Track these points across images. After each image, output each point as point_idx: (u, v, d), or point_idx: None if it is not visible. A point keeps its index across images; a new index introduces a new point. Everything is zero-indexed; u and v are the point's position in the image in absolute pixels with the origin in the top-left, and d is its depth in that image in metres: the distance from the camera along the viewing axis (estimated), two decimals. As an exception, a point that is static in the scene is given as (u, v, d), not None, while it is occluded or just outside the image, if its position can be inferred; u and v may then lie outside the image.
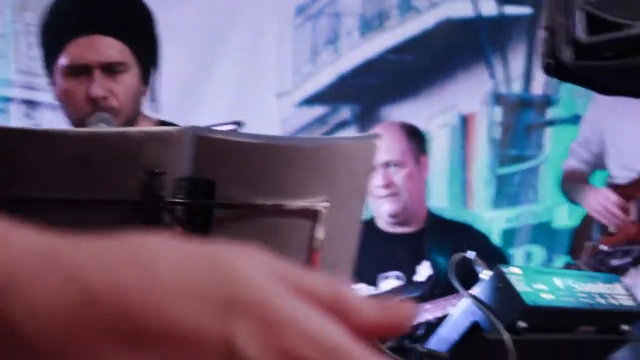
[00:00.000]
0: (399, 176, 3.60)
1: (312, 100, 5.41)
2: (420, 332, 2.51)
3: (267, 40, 5.42)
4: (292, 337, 0.46)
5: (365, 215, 3.97)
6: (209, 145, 1.52)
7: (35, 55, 2.63)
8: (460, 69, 5.03)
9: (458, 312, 1.89)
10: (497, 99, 4.96)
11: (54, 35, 2.31)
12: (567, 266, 2.65)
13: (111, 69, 2.27)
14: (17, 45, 5.25)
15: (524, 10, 4.92)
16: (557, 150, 4.62)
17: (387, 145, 3.61)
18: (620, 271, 3.50)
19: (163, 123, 2.40)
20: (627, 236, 3.66)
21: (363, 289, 3.49)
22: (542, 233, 4.85)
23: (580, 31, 1.76)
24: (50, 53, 2.33)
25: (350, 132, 5.17)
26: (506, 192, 4.98)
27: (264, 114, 5.23)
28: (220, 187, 1.54)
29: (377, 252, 3.62)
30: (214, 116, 4.00)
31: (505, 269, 1.82)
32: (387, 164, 3.59)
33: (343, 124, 5.31)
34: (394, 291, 3.39)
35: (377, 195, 3.60)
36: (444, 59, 5.07)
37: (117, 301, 0.46)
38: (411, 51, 5.16)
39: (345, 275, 1.71)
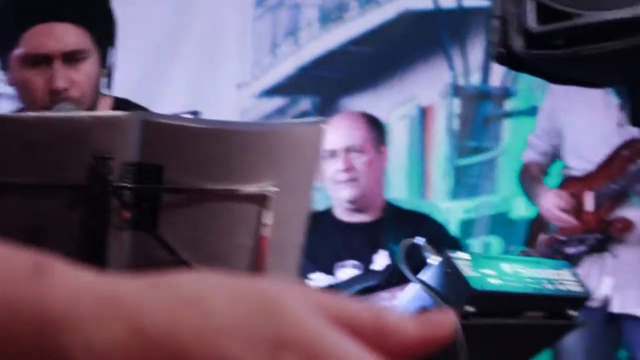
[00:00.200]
0: (359, 162, 3.61)
1: (272, 91, 5.41)
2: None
3: (227, 31, 5.41)
4: None
5: (323, 205, 4.00)
6: (156, 130, 1.52)
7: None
8: (420, 60, 5.05)
9: (407, 297, 1.91)
10: (456, 90, 4.98)
11: (9, 24, 2.26)
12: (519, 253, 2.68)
13: (72, 58, 2.23)
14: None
15: (483, 2, 4.94)
16: (515, 142, 4.64)
17: (348, 132, 3.63)
18: (575, 259, 3.55)
19: (118, 101, 2.39)
20: (584, 226, 3.69)
21: (320, 278, 3.51)
22: (500, 224, 4.88)
23: (531, 20, 1.77)
24: (5, 42, 2.29)
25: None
26: (464, 183, 5.01)
27: (224, 104, 5.22)
28: (168, 172, 1.54)
29: (334, 241, 3.63)
30: (174, 107, 3.99)
31: (453, 255, 1.83)
32: (348, 149, 3.61)
33: (303, 115, 5.31)
34: (350, 280, 3.40)
35: (337, 179, 3.62)
36: (403, 51, 5.08)
37: (171, 341, 0.47)
38: (371, 43, 5.17)
39: (294, 260, 1.72)
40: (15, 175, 1.52)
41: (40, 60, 2.23)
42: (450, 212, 4.96)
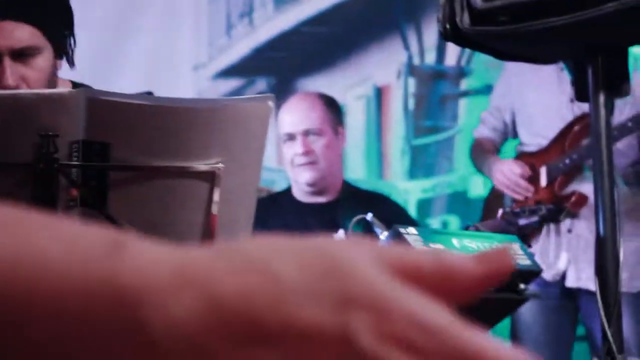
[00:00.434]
0: (318, 145, 3.62)
1: (228, 72, 5.40)
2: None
3: (182, 13, 5.40)
4: (402, 324, 0.48)
5: (281, 186, 4.00)
6: (102, 108, 1.52)
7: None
8: (375, 40, 5.06)
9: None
10: (411, 70, 4.99)
11: None
12: (466, 228, 2.69)
13: (22, 54, 2.21)
14: None
15: (437, -18, 4.95)
16: (471, 121, 4.66)
17: (305, 114, 3.63)
18: (528, 230, 3.57)
19: (76, 86, 2.38)
20: (538, 199, 3.72)
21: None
22: (458, 203, 4.91)
23: (476, -4, 1.79)
24: None
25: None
26: (422, 163, 5.03)
27: (180, 86, 5.21)
28: (115, 149, 1.54)
29: (293, 222, 3.64)
30: (130, 89, 3.98)
31: (402, 230, 1.85)
32: (306, 132, 3.61)
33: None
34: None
35: (296, 163, 3.62)
36: (358, 31, 5.09)
37: (243, 306, 0.48)
38: (325, 23, 5.17)
39: (245, 234, 1.73)
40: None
41: None
42: (409, 192, 4.98)
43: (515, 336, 3.70)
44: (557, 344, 3.73)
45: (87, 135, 1.54)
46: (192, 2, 5.43)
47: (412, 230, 1.86)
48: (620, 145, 3.56)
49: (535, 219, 3.21)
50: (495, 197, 3.89)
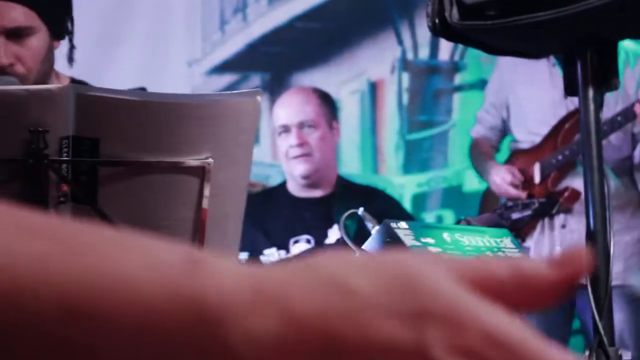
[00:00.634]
0: (312, 137, 3.62)
1: (222, 68, 5.41)
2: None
3: (176, 9, 5.40)
4: (476, 338, 0.49)
5: (276, 181, 4.00)
6: (91, 103, 1.52)
7: None
8: (369, 35, 5.06)
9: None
10: (405, 65, 5.00)
11: None
12: (458, 222, 2.69)
13: (16, 34, 2.23)
14: None
15: (431, -23, 4.94)
16: (465, 116, 4.67)
17: (300, 107, 3.64)
18: (520, 224, 3.58)
19: (75, 81, 2.39)
20: (532, 195, 3.73)
21: (274, 254, 3.52)
22: (453, 197, 4.92)
23: (464, -8, 1.80)
24: None
25: (262, 100, 5.16)
26: (416, 158, 5.04)
27: (175, 82, 5.21)
28: (105, 144, 1.55)
29: (288, 216, 3.65)
30: (124, 85, 3.98)
31: (393, 224, 1.85)
32: (301, 125, 3.62)
33: (254, 91, 5.31)
34: (302, 255, 3.42)
35: (291, 155, 3.62)
36: (351, 26, 5.09)
37: (321, 322, 0.49)
38: (319, 18, 5.17)
39: (236, 232, 1.73)
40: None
41: None
42: (404, 186, 4.98)
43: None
44: (553, 338, 3.74)
45: (77, 131, 1.55)
46: (186, -3, 5.44)
47: (403, 224, 1.86)
48: (612, 138, 3.57)
49: (528, 213, 3.21)
50: (492, 192, 3.90)
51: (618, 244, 3.45)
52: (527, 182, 3.77)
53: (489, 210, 3.82)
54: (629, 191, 3.69)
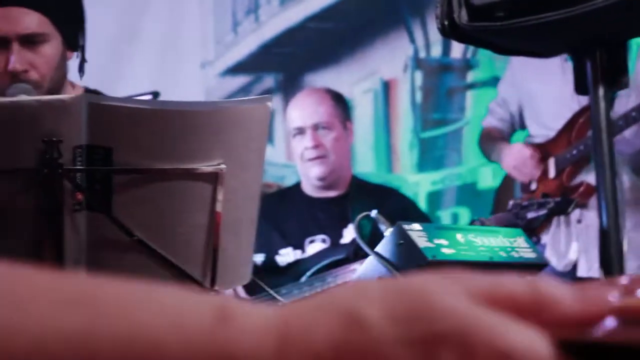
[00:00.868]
0: (327, 138, 3.63)
1: (235, 69, 5.42)
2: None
3: (188, 11, 5.41)
4: (489, 356, 0.50)
5: (291, 181, 4.01)
6: (104, 113, 1.54)
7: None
8: (381, 34, 5.06)
9: (364, 270, 1.94)
10: (418, 63, 5.00)
11: None
12: (472, 222, 2.69)
13: (30, 40, 2.24)
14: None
15: (442, -25, 4.93)
16: (478, 113, 4.67)
17: (314, 109, 3.64)
18: (535, 223, 3.57)
19: (89, 91, 2.40)
20: (547, 191, 3.72)
21: (290, 253, 3.53)
22: (468, 195, 4.91)
23: (473, -7, 1.80)
24: None
25: (275, 100, 5.19)
26: (431, 156, 5.03)
27: (188, 84, 5.23)
28: (118, 153, 1.56)
29: (303, 216, 3.65)
30: (138, 88, 4.00)
31: (406, 226, 1.86)
32: (315, 127, 3.62)
33: (267, 93, 5.32)
34: (319, 254, 3.43)
35: (306, 157, 3.63)
36: (363, 25, 5.09)
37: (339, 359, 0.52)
38: (331, 18, 5.18)
39: (249, 237, 1.74)
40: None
41: None
42: (418, 184, 4.98)
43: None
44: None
45: (90, 140, 1.56)
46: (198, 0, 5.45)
47: (416, 226, 1.87)
48: (627, 133, 3.56)
49: (543, 212, 3.21)
50: (505, 189, 3.90)
51: (634, 240, 3.46)
52: (540, 177, 3.76)
53: (503, 207, 3.82)
54: (644, 186, 3.68)
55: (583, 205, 3.67)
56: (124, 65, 5.15)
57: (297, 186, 3.76)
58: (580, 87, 1.88)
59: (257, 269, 3.33)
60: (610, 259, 1.86)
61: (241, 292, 2.84)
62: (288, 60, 5.31)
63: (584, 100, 3.59)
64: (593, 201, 3.61)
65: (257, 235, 1.78)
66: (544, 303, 0.53)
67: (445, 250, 1.86)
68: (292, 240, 3.59)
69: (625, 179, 3.63)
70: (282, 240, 3.60)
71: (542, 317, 0.52)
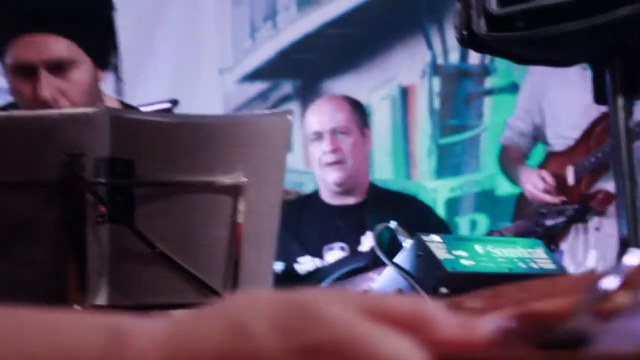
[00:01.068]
0: (345, 143, 3.63)
1: (253, 76, 5.43)
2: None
3: (206, 17, 5.43)
4: None
5: (309, 188, 4.01)
6: (125, 126, 1.55)
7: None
8: (399, 41, 5.07)
9: (382, 281, 1.94)
10: (436, 69, 5.00)
11: None
12: (490, 233, 2.70)
13: (58, 67, 2.19)
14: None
15: (460, -19, 4.93)
16: (497, 119, 4.67)
17: (332, 114, 3.65)
18: (554, 231, 3.57)
19: (124, 105, 2.39)
20: (565, 199, 3.73)
21: (309, 261, 3.54)
22: (486, 201, 4.91)
23: (492, 3, 1.80)
24: None
25: (293, 107, 5.19)
26: (449, 162, 5.03)
27: (207, 90, 5.24)
28: (140, 166, 1.58)
29: (322, 224, 3.65)
30: (156, 95, 4.01)
31: (425, 237, 1.86)
32: (333, 131, 3.63)
33: (285, 99, 5.34)
34: (338, 262, 3.44)
35: (324, 161, 3.63)
36: (381, 32, 5.09)
37: None
38: (349, 25, 5.18)
39: (270, 250, 1.75)
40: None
41: (26, 70, 2.19)
42: (436, 191, 4.98)
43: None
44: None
45: (113, 153, 1.58)
46: (216, 6, 5.46)
47: (435, 237, 1.87)
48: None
49: (562, 219, 3.22)
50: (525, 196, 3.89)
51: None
52: (560, 185, 3.76)
53: (523, 213, 3.82)
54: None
55: (601, 213, 3.67)
56: (141, 71, 5.17)
57: (316, 194, 3.76)
58: (600, 97, 1.88)
59: (277, 277, 3.34)
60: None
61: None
62: (306, 67, 5.32)
63: (603, 107, 3.58)
64: (611, 209, 3.60)
65: (277, 244, 1.79)
66: (424, 322, 0.55)
67: (464, 262, 1.86)
68: (310, 248, 3.59)
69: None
70: (301, 248, 3.60)
71: (421, 335, 0.54)
